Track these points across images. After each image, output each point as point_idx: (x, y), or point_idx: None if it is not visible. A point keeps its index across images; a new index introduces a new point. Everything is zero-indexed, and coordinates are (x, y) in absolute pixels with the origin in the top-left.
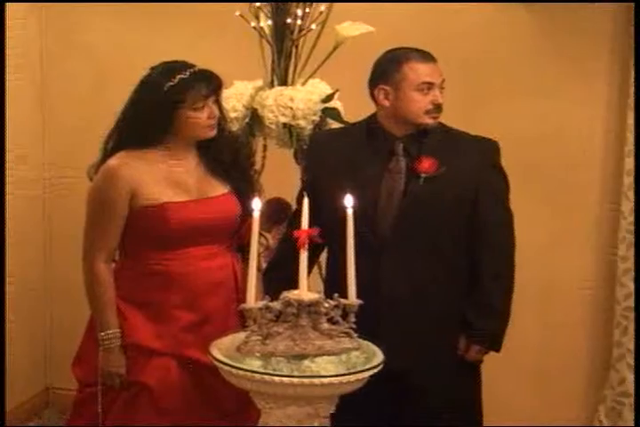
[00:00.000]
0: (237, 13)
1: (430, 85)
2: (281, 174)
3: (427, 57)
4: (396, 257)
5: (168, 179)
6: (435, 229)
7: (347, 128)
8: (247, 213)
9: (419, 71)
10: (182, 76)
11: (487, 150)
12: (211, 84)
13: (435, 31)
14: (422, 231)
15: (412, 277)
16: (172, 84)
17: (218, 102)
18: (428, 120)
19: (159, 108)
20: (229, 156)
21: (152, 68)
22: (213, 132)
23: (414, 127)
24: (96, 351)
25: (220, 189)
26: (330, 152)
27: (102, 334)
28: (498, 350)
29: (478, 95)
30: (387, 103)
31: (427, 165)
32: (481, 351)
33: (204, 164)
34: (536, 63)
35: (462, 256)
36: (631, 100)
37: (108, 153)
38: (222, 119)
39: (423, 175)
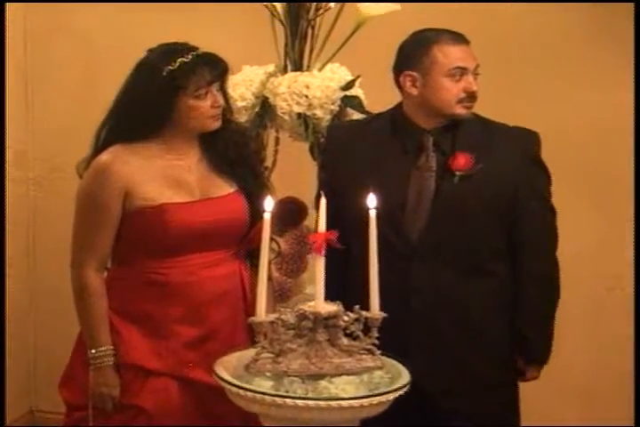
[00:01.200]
0: None
1: (463, 71)
2: (295, 171)
3: (459, 39)
4: (426, 264)
5: (167, 176)
6: (471, 232)
7: (369, 119)
8: (256, 214)
9: (450, 55)
10: (184, 59)
11: (527, 143)
12: (215, 68)
13: (470, 12)
14: (457, 236)
15: (445, 286)
16: (171, 68)
17: (223, 90)
18: (461, 110)
19: (157, 95)
20: (236, 151)
21: (150, 51)
22: (217, 124)
23: (445, 118)
24: (86, 370)
25: (225, 188)
26: (350, 147)
27: (93, 351)
28: (547, 361)
29: (517, 83)
30: (414, 91)
31: (462, 161)
32: (538, 369)
33: (207, 160)
34: (585, 50)
35: (503, 262)
36: None
37: (99, 147)
38: (228, 109)
39: (458, 173)
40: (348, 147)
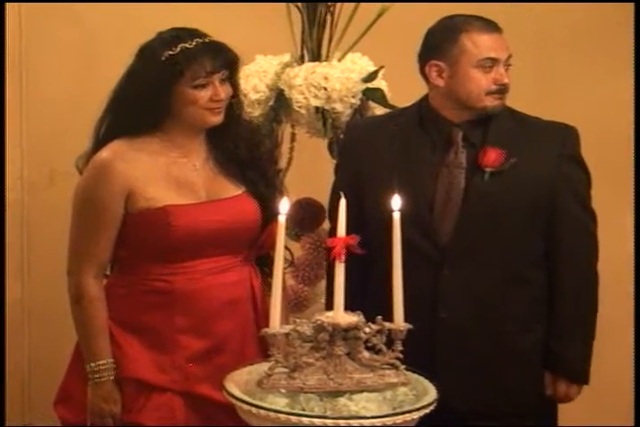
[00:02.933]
0: None
1: (494, 62)
2: (312, 170)
3: (490, 26)
4: (457, 270)
5: (170, 176)
6: (506, 235)
7: (393, 114)
8: (268, 218)
9: (481, 44)
10: (186, 44)
11: (564, 138)
12: (218, 58)
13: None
14: (490, 239)
15: (478, 295)
16: (171, 53)
17: (233, 83)
18: (490, 102)
19: (154, 81)
20: (246, 151)
21: (158, 33)
22: (217, 119)
23: (474, 111)
24: (84, 386)
25: (233, 189)
26: (372, 144)
27: (92, 365)
28: (587, 381)
29: (554, 76)
30: (440, 82)
31: (492, 156)
32: (571, 387)
33: (214, 159)
34: (628, 38)
35: (542, 270)
36: None
37: (100, 140)
38: (238, 104)
39: (488, 170)
40: (370, 144)
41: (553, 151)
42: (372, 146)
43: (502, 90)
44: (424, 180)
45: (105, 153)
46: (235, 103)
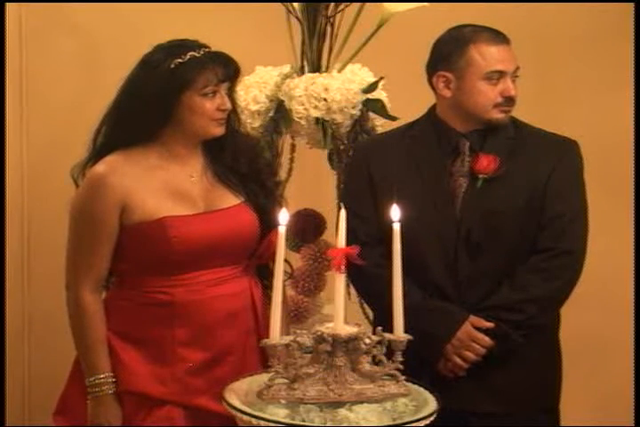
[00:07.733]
0: None
1: (501, 74)
2: (313, 181)
3: (499, 38)
4: (467, 276)
5: (167, 188)
6: (506, 245)
7: (405, 128)
8: (267, 228)
9: (488, 56)
10: (194, 53)
11: (562, 152)
12: (227, 67)
13: (500, 10)
14: (489, 249)
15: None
16: (180, 60)
17: (231, 97)
18: (497, 115)
19: (160, 89)
20: (246, 164)
21: (157, 46)
22: (220, 130)
23: (481, 123)
24: (83, 398)
25: (230, 199)
26: (391, 161)
27: (91, 379)
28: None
29: (553, 86)
30: (447, 93)
31: (485, 162)
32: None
33: (212, 171)
34: (628, 49)
35: None
36: None
37: (96, 151)
38: (235, 118)
39: (481, 176)
40: (389, 161)
41: (549, 163)
42: (392, 162)
43: (509, 102)
44: (434, 188)
45: (100, 167)
46: (232, 116)
